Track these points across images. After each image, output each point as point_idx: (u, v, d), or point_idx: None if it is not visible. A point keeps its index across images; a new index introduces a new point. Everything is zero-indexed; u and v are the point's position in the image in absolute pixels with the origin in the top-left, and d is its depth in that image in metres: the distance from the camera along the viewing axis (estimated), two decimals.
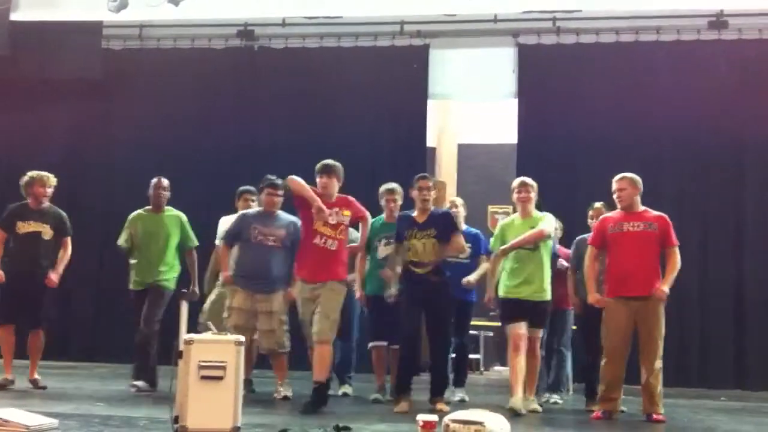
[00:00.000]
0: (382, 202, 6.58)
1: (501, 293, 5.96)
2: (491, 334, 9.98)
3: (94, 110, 10.21)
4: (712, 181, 9.21)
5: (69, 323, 9.67)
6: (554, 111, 9.59)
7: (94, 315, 9.67)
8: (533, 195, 5.97)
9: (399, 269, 5.97)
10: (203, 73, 10.10)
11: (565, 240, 6.93)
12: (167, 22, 10.17)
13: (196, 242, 6.69)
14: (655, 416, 5.53)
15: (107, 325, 9.34)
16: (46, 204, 6.76)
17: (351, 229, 6.09)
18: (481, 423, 4.09)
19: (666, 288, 5.56)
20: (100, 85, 9.98)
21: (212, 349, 4.29)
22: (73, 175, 10.09)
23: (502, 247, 5.88)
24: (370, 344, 6.58)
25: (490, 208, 10.89)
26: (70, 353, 9.50)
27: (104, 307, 9.50)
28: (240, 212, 6.47)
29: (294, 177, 5.78)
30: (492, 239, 6.14)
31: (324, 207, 5.58)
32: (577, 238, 6.62)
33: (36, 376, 6.57)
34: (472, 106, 12.33)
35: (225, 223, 6.72)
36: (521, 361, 5.74)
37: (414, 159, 9.51)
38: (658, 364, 5.54)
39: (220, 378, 4.22)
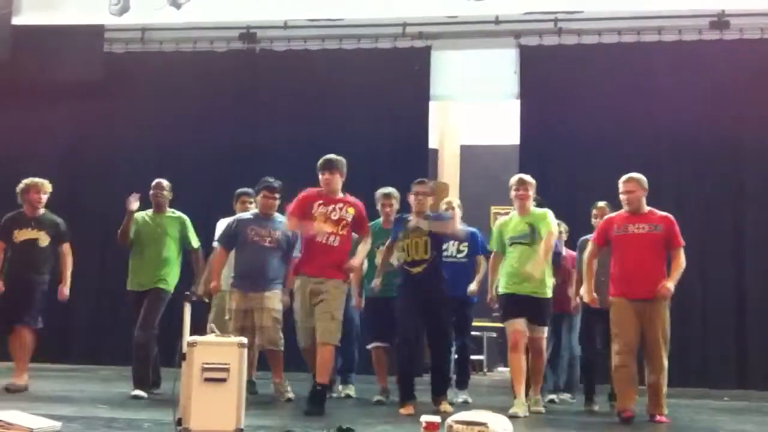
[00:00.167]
0: (379, 207, 6.58)
1: (500, 290, 5.95)
2: (494, 335, 9.99)
3: (97, 113, 10.22)
4: (714, 181, 9.21)
5: (71, 326, 9.71)
6: (556, 112, 9.59)
7: (96, 317, 9.67)
8: (531, 192, 5.97)
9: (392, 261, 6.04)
10: (205, 75, 10.11)
11: (570, 243, 6.93)
12: (169, 25, 10.18)
13: (197, 244, 6.65)
14: (658, 417, 5.53)
15: (110, 327, 9.34)
16: (42, 211, 6.75)
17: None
18: (484, 424, 4.10)
19: (671, 285, 5.54)
20: (102, 88, 9.99)
21: (215, 351, 4.30)
22: (76, 177, 10.14)
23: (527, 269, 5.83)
24: (370, 345, 6.57)
25: (493, 209, 10.91)
26: (73, 356, 9.53)
27: (106, 309, 9.52)
28: (236, 215, 6.46)
29: (287, 222, 5.78)
30: (492, 240, 6.11)
31: (321, 229, 5.59)
32: (581, 239, 6.61)
33: (16, 380, 6.46)
34: (474, 107, 12.35)
35: (223, 225, 6.75)
36: (521, 360, 5.74)
37: (416, 161, 9.52)
38: (664, 365, 5.52)
39: (223, 380, 4.23)
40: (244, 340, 4.44)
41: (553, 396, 6.87)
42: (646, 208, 5.72)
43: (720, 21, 9.42)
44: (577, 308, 6.38)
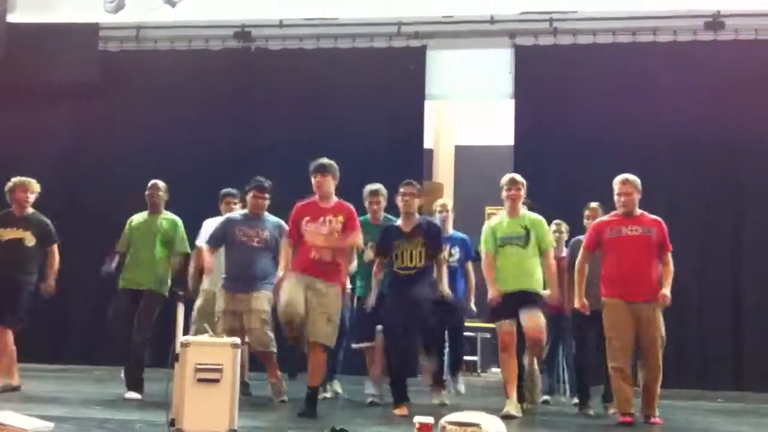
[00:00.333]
0: (366, 204, 6.51)
1: (491, 291, 5.93)
2: (488, 335, 9.99)
3: (91, 112, 10.20)
4: (710, 182, 9.23)
5: (65, 326, 9.69)
6: (551, 112, 9.60)
7: (90, 318, 9.64)
8: (523, 192, 5.95)
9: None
10: (200, 74, 10.09)
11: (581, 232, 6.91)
12: (164, 23, 10.18)
13: (186, 249, 6.55)
14: (653, 419, 5.52)
15: (103, 328, 9.29)
16: (30, 210, 6.72)
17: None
18: (477, 425, 4.08)
19: (668, 293, 5.56)
20: (97, 86, 9.98)
21: (208, 351, 4.29)
22: (70, 176, 10.13)
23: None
24: (360, 345, 6.54)
25: (487, 210, 10.88)
26: (67, 356, 9.50)
27: (101, 310, 9.47)
28: (226, 215, 6.43)
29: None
30: (483, 241, 6.02)
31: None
32: (573, 239, 6.63)
33: (10, 381, 6.44)
34: (469, 107, 12.35)
35: (208, 225, 6.73)
36: (512, 361, 5.73)
37: (411, 160, 9.53)
38: (660, 366, 5.51)
39: (216, 381, 4.21)
40: (237, 340, 4.43)
41: (547, 397, 6.88)
42: (638, 211, 5.73)
43: (715, 21, 9.45)
44: (570, 309, 6.38)
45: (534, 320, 5.65)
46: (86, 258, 9.49)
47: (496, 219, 6.05)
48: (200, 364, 4.21)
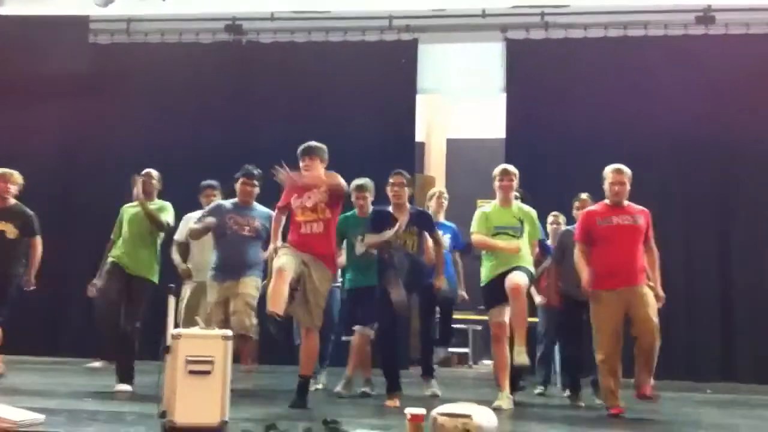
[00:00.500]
0: (353, 199, 6.46)
1: (483, 281, 5.94)
2: (479, 328, 10.02)
3: (82, 105, 10.17)
4: (699, 176, 9.28)
5: (58, 319, 9.67)
6: (542, 106, 9.63)
7: (83, 311, 9.61)
8: (515, 183, 5.96)
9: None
10: (191, 67, 10.08)
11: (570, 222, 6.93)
12: (155, 16, 10.15)
13: (164, 219, 6.30)
14: (649, 391, 5.46)
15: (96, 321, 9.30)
16: (12, 202, 6.68)
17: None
18: (468, 416, 4.09)
19: (661, 292, 5.60)
20: (88, 79, 9.95)
21: (200, 343, 4.28)
22: (60, 169, 10.11)
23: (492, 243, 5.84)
24: (353, 331, 6.55)
25: (479, 203, 10.86)
26: (60, 349, 9.48)
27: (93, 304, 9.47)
28: (216, 202, 6.40)
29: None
30: (476, 225, 5.97)
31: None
32: (561, 230, 6.65)
33: None
34: (461, 101, 12.35)
35: (188, 220, 6.73)
36: (504, 353, 5.74)
37: (403, 154, 9.53)
38: (656, 341, 5.44)
39: (207, 372, 4.21)
40: (229, 332, 4.42)
41: (541, 388, 6.92)
42: (626, 201, 5.75)
43: (706, 16, 9.49)
44: (557, 300, 6.41)
45: (514, 275, 5.62)
46: (78, 252, 9.50)
47: (489, 207, 6.05)
48: (191, 356, 4.21)
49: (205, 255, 6.47)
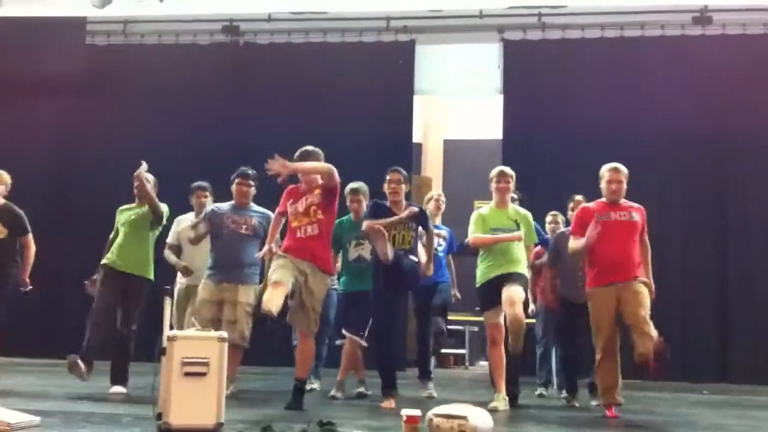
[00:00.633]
0: (347, 203, 6.46)
1: (478, 282, 5.95)
2: (476, 329, 10.02)
3: (79, 105, 10.17)
4: (696, 176, 9.29)
5: (53, 320, 9.65)
6: (540, 106, 9.63)
7: (79, 312, 9.59)
8: (512, 185, 5.97)
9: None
10: (188, 68, 10.08)
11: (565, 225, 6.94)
12: (152, 17, 10.15)
13: (162, 211, 6.34)
14: (654, 361, 5.36)
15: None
16: (1, 201, 6.65)
17: None
18: (464, 417, 4.10)
19: (652, 285, 5.61)
20: (84, 80, 9.94)
21: (195, 345, 4.27)
22: (57, 170, 10.11)
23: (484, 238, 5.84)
24: (344, 338, 6.55)
25: (476, 204, 10.89)
26: (56, 351, 9.45)
27: (90, 305, 9.45)
28: (213, 206, 6.40)
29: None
30: (473, 226, 5.98)
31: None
32: (557, 232, 6.66)
33: None
34: (458, 101, 12.37)
35: (180, 223, 6.74)
36: (500, 355, 5.75)
37: (400, 155, 9.49)
38: (650, 324, 5.39)
39: (203, 374, 4.20)
40: (224, 334, 4.41)
41: (542, 390, 6.92)
42: (622, 200, 5.76)
43: (702, 16, 9.50)
44: (553, 301, 6.42)
45: (512, 290, 5.61)
46: (74, 253, 9.49)
47: (485, 209, 6.06)
48: (187, 357, 4.20)
49: (196, 259, 6.46)
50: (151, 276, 6.32)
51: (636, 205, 5.76)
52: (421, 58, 10.00)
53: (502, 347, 5.78)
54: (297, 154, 5.61)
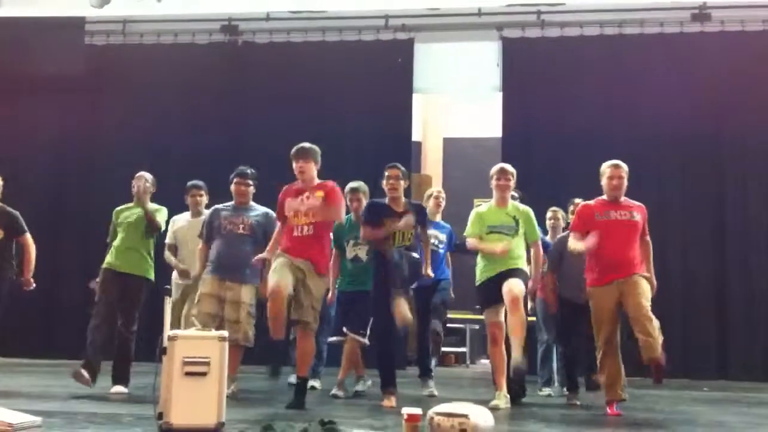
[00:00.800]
0: (347, 202, 6.39)
1: (477, 281, 5.94)
2: (477, 327, 10.02)
3: (78, 106, 10.16)
4: (696, 174, 9.29)
5: (53, 321, 9.65)
6: (539, 104, 9.63)
7: (79, 312, 9.59)
8: (512, 182, 5.95)
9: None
10: (187, 68, 10.06)
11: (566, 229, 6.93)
12: (150, 17, 10.13)
13: (161, 221, 6.37)
14: (659, 361, 5.36)
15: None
16: None
17: None
18: (465, 416, 4.10)
19: (654, 281, 5.61)
20: (83, 80, 9.92)
21: (196, 345, 4.28)
22: (56, 171, 10.11)
23: (484, 247, 5.83)
24: (332, 339, 6.56)
25: (476, 202, 10.87)
26: (55, 351, 9.46)
27: (90, 304, 9.45)
28: (213, 207, 6.40)
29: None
30: (470, 226, 5.99)
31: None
32: (558, 236, 6.66)
33: None
34: (458, 100, 12.36)
35: (175, 222, 6.73)
36: (501, 354, 5.75)
37: (399, 153, 9.47)
38: (651, 320, 5.38)
39: (204, 374, 4.21)
40: (225, 333, 4.42)
41: (548, 390, 6.91)
42: (623, 197, 5.76)
43: (701, 13, 9.49)
44: (554, 304, 6.42)
45: (510, 284, 5.60)
46: (74, 253, 9.50)
47: (484, 207, 6.06)
48: (188, 357, 4.21)
49: (192, 259, 6.44)
50: (151, 276, 6.34)
51: (636, 203, 5.76)
52: (420, 57, 9.99)
53: (503, 345, 5.78)
54: (294, 151, 5.59)
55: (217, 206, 6.33)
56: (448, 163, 12.48)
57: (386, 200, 5.87)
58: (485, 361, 9.71)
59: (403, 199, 5.87)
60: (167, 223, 6.63)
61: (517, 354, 5.57)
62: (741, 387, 8.10)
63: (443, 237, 6.80)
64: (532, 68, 9.71)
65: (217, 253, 6.10)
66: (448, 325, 7.42)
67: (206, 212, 6.52)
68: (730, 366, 8.86)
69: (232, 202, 6.26)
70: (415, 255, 5.77)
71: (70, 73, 9.84)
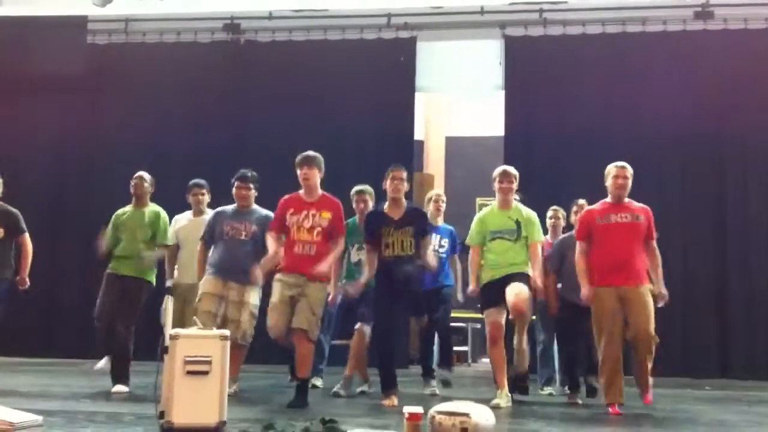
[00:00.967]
0: (353, 204, 6.47)
1: (481, 282, 5.95)
2: (479, 326, 10.02)
3: (80, 105, 10.18)
4: (697, 173, 9.28)
5: (52, 320, 9.67)
6: (541, 103, 9.63)
7: (78, 312, 9.60)
8: (515, 185, 5.95)
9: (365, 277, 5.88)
10: (189, 66, 10.07)
11: (566, 229, 6.93)
12: (153, 15, 10.15)
13: (167, 240, 6.49)
14: (647, 396, 5.57)
15: (91, 322, 9.28)
16: None
17: None
18: (466, 414, 4.10)
19: (664, 290, 5.60)
20: (86, 79, 9.93)
21: (198, 344, 4.27)
22: (57, 170, 10.11)
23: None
24: (336, 342, 6.57)
25: (478, 201, 10.92)
26: (57, 349, 9.48)
27: (91, 302, 9.45)
28: (217, 209, 6.40)
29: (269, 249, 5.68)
30: (472, 234, 6.05)
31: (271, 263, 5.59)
32: (560, 237, 6.65)
33: None
34: (460, 98, 12.35)
35: (177, 221, 6.72)
36: (501, 353, 5.76)
37: (402, 152, 9.51)
38: (652, 344, 5.49)
39: (205, 373, 4.21)
40: (227, 332, 4.42)
41: (549, 389, 6.89)
42: (626, 199, 5.74)
43: (704, 11, 9.48)
44: (554, 307, 6.41)
45: (518, 293, 5.63)
46: (74, 253, 9.51)
47: (487, 210, 6.06)
48: (189, 356, 4.20)
49: (194, 258, 6.44)
50: (151, 278, 6.36)
51: (641, 205, 5.73)
52: (422, 55, 9.98)
53: (502, 344, 5.79)
54: (299, 158, 5.66)
55: (220, 209, 6.32)
56: (451, 162, 12.47)
57: (386, 205, 5.86)
58: (486, 360, 9.70)
59: (404, 201, 5.86)
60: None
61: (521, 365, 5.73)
62: (742, 386, 8.09)
63: (445, 241, 6.75)
64: (534, 67, 9.71)
65: (218, 257, 6.10)
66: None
67: (209, 211, 6.53)
68: (732, 365, 8.85)
69: (235, 205, 6.26)
70: (418, 262, 5.75)
71: (72, 73, 9.85)
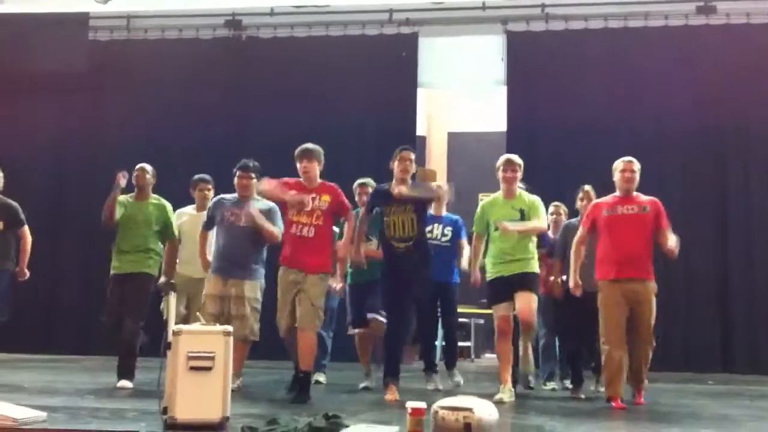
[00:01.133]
0: (356, 198, 6.50)
1: (488, 275, 5.94)
2: (482, 321, 10.02)
3: (82, 102, 10.18)
4: (700, 167, 9.27)
5: (55, 316, 9.68)
6: (543, 98, 9.62)
7: (81, 308, 9.64)
8: (519, 174, 5.93)
9: (364, 248, 5.88)
10: (191, 63, 10.08)
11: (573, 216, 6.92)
12: (154, 12, 10.17)
13: (174, 235, 6.46)
14: (640, 397, 5.59)
15: (94, 318, 9.31)
16: None
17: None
18: (469, 409, 4.09)
19: (673, 242, 5.61)
20: (87, 76, 9.93)
21: (201, 339, 4.27)
22: (59, 167, 10.11)
23: (503, 225, 5.74)
24: (353, 331, 6.56)
25: (481, 196, 10.87)
26: (58, 346, 9.49)
27: (92, 299, 9.49)
28: (217, 197, 6.40)
29: (263, 182, 5.71)
30: (475, 223, 6.03)
31: (301, 198, 5.51)
32: (564, 223, 6.63)
33: None
34: (462, 94, 12.33)
35: (181, 215, 6.71)
36: (508, 348, 5.75)
37: None
38: (650, 347, 5.53)
39: (209, 368, 4.21)
40: (230, 328, 4.42)
41: (552, 384, 6.89)
42: (634, 192, 5.74)
43: (706, 6, 9.47)
44: (560, 292, 6.39)
45: (527, 304, 5.67)
46: (74, 253, 9.52)
47: (490, 199, 6.04)
48: (192, 352, 4.21)
49: (195, 250, 6.44)
50: (153, 271, 6.32)
51: (649, 198, 5.74)
52: (424, 51, 9.98)
53: (510, 339, 5.78)
54: (298, 151, 5.66)
55: (220, 197, 6.32)
56: (453, 158, 12.46)
57: (386, 186, 5.80)
58: (489, 355, 9.71)
59: (410, 183, 5.82)
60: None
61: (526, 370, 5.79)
62: (744, 380, 8.09)
63: (449, 230, 6.72)
64: (536, 62, 9.70)
65: (219, 248, 6.10)
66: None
67: None
68: (734, 360, 8.85)
69: (236, 195, 6.25)
70: (424, 247, 5.75)
71: (74, 70, 9.87)
